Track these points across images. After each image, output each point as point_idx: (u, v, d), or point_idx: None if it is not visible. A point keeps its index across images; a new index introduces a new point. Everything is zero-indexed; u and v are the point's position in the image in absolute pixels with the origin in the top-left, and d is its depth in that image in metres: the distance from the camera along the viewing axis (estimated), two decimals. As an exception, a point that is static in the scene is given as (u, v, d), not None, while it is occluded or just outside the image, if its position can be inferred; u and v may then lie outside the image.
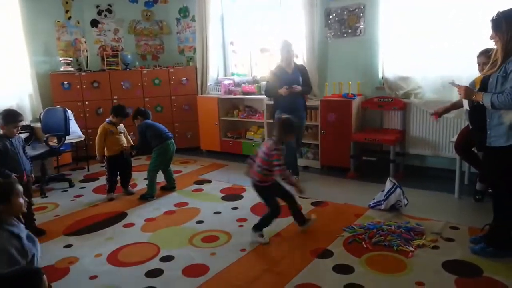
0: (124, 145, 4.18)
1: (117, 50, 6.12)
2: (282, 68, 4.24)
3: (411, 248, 2.80)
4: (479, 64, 3.55)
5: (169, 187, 4.35)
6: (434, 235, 2.99)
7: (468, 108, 2.86)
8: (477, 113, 2.77)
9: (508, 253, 2.65)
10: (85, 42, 5.98)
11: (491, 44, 2.64)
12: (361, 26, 4.75)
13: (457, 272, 2.51)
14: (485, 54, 3.44)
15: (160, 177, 4.27)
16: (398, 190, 3.46)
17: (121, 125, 4.23)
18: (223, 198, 4.04)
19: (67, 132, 4.58)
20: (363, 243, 2.93)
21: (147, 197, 4.08)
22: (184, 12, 6.32)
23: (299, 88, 4.18)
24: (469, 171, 4.11)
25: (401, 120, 4.58)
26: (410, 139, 4.56)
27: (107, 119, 4.16)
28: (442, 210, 3.48)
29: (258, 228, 3.07)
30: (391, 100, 4.55)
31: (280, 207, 3.08)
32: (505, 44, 2.44)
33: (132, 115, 4.31)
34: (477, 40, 3.96)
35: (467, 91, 2.65)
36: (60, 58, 5.81)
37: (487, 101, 2.47)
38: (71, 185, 4.60)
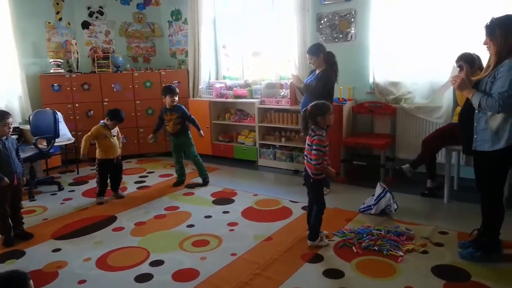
0: (118, 153, 4.16)
1: (108, 52, 6.09)
2: (313, 70, 4.20)
3: (400, 253, 2.82)
4: (458, 67, 3.63)
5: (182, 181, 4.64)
6: (424, 239, 3.02)
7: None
8: (468, 115, 2.77)
9: (496, 257, 2.69)
10: (75, 43, 5.93)
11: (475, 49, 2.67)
12: (352, 31, 4.79)
13: (445, 277, 2.53)
14: (464, 59, 3.54)
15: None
16: (388, 194, 3.49)
17: (116, 128, 4.20)
18: (214, 202, 4.02)
19: (56, 134, 4.54)
20: (353, 247, 2.94)
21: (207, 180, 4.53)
22: (176, 14, 6.31)
23: (297, 82, 4.30)
24: (458, 177, 4.16)
25: (391, 125, 4.62)
26: (400, 144, 4.60)
27: (102, 121, 4.13)
28: (431, 215, 3.52)
29: (314, 236, 3.01)
30: (381, 105, 4.59)
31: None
32: (498, 50, 2.47)
33: (166, 91, 4.47)
34: (467, 47, 4.03)
35: (462, 84, 2.58)
36: (50, 60, 5.75)
37: (476, 101, 2.50)
38: (60, 188, 4.55)
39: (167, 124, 4.51)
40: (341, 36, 4.88)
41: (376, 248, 2.90)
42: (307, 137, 3.01)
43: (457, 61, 3.63)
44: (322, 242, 3.01)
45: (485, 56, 2.79)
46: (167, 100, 4.47)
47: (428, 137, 3.99)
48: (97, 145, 4.08)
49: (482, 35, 2.56)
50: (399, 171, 4.02)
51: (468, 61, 3.45)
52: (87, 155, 4.07)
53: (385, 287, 2.46)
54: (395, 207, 3.50)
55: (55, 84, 5.57)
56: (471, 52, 3.59)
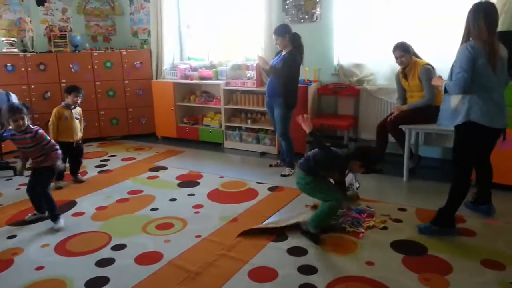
0: (79, 137, 4.02)
1: (65, 31, 5.79)
2: (280, 51, 4.17)
3: (361, 229, 2.90)
4: (396, 58, 3.81)
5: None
6: (384, 216, 3.11)
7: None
8: None
9: (451, 231, 2.82)
10: (30, 21, 5.60)
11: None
12: (318, 12, 4.77)
13: (404, 251, 2.63)
14: (400, 48, 3.75)
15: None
16: (350, 174, 3.54)
17: (78, 109, 4.04)
18: (179, 185, 3.97)
19: (10, 117, 4.30)
20: (317, 226, 2.98)
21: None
22: (137, -8, 6.08)
23: (263, 64, 4.19)
24: (417, 156, 4.29)
25: (354, 106, 4.69)
26: (362, 124, 4.69)
27: (63, 102, 3.97)
28: (391, 193, 3.62)
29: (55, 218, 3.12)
30: (345, 86, 4.64)
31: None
32: (465, 34, 2.63)
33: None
34: (428, 31, 4.14)
35: (436, 82, 2.92)
36: (2, 38, 5.42)
37: (442, 87, 2.71)
38: (16, 173, 4.34)
39: None
40: (306, 16, 4.86)
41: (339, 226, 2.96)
42: None
43: (393, 51, 3.85)
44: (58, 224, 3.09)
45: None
46: None
47: (388, 123, 4.00)
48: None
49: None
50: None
51: (404, 49, 3.77)
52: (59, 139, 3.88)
53: (347, 262, 2.52)
54: (357, 185, 3.58)
55: (8, 64, 5.27)
56: (402, 41, 3.84)
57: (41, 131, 3.10)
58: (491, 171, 3.05)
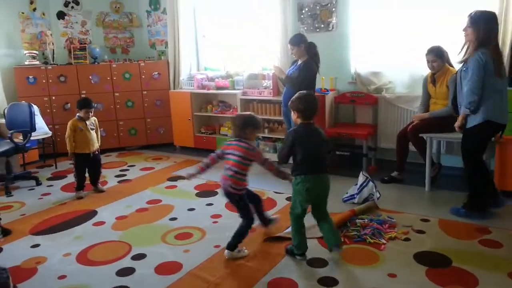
0: (95, 148, 4.06)
1: (85, 43, 5.93)
2: (295, 60, 4.22)
3: (383, 241, 2.84)
4: (428, 62, 3.75)
5: None
6: (406, 227, 3.05)
7: None
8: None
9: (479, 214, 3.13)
10: (51, 34, 5.76)
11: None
12: (334, 21, 4.77)
13: (427, 263, 2.56)
14: (434, 52, 3.70)
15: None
16: (371, 183, 3.51)
17: (93, 119, 4.09)
18: (198, 195, 3.98)
19: (32, 128, 4.40)
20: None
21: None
22: (154, 4, 6.18)
23: (279, 73, 4.27)
24: (439, 165, 4.21)
25: (373, 115, 4.65)
26: (382, 133, 4.64)
27: (77, 114, 4.02)
28: (413, 203, 3.55)
29: (233, 247, 2.74)
30: (363, 95, 4.61)
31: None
32: (476, 40, 2.81)
33: None
34: (447, 37, 4.08)
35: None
36: (25, 51, 5.58)
37: (462, 111, 3.05)
38: (38, 183, 4.43)
39: None
40: (322, 26, 4.86)
41: (361, 237, 2.91)
42: (236, 149, 2.78)
43: (427, 54, 3.77)
44: (240, 253, 2.75)
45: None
46: None
47: (409, 131, 3.93)
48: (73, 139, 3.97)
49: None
50: (391, 178, 4.09)
51: (438, 55, 3.70)
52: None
53: (369, 274, 2.48)
54: (378, 195, 3.52)
55: (30, 76, 5.41)
56: (439, 45, 3.77)
57: None
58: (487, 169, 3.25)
